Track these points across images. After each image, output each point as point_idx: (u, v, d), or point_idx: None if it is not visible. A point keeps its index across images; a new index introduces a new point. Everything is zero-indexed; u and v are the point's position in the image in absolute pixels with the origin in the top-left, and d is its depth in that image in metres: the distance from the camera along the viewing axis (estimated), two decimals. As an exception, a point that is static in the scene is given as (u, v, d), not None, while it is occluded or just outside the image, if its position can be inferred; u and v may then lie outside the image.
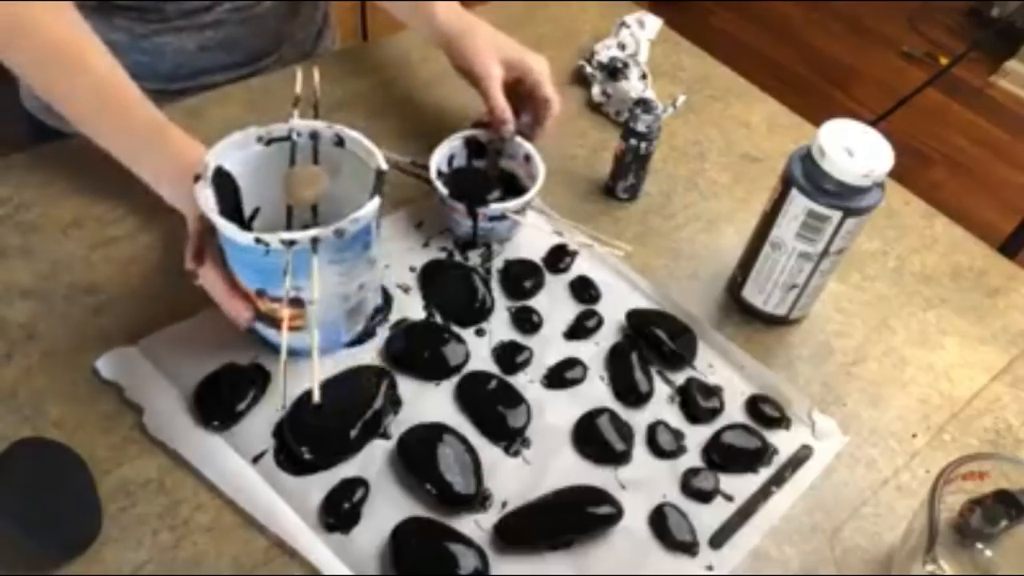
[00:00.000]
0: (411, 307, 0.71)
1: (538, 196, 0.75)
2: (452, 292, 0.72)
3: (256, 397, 0.62)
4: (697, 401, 0.66)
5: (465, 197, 0.73)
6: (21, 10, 0.64)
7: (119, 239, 0.72)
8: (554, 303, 0.73)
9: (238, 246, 0.56)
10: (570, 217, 0.78)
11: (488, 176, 0.78)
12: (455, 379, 0.66)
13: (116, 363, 0.63)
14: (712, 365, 0.70)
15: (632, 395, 0.66)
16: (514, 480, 0.61)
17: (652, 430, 0.65)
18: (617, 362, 0.68)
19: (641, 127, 0.78)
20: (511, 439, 0.63)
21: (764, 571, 0.59)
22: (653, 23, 1.00)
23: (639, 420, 0.65)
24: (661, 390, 0.68)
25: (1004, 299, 0.80)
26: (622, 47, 0.96)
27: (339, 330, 0.65)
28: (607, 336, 0.71)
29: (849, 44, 2.67)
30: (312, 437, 0.60)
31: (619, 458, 0.63)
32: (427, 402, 0.64)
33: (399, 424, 0.62)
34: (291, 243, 0.54)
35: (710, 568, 0.58)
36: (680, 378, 0.69)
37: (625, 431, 0.64)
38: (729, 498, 0.62)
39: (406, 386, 0.65)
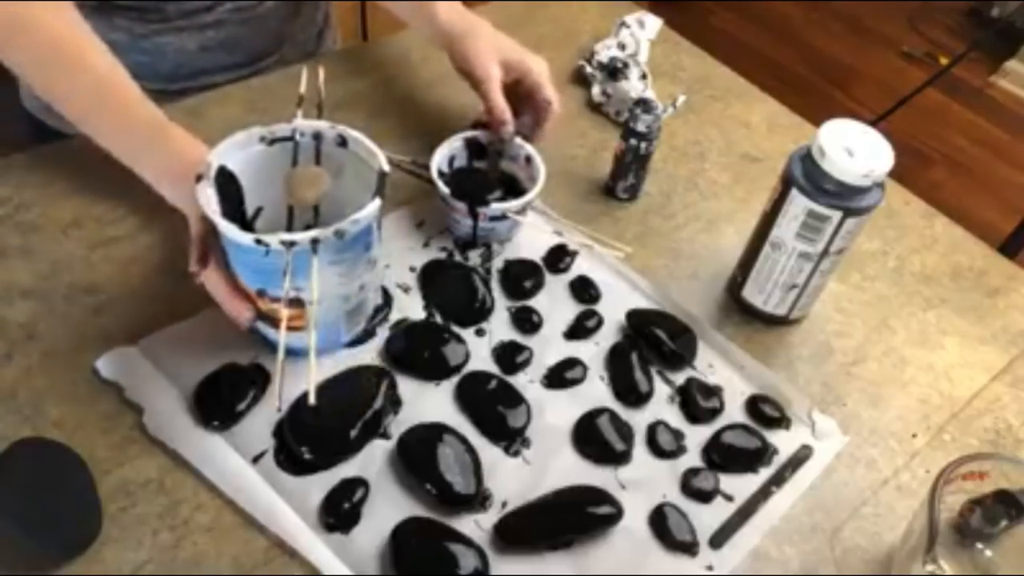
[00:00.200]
0: (411, 307, 0.71)
1: (538, 196, 0.75)
2: (452, 292, 0.72)
3: (256, 397, 0.62)
4: (697, 401, 0.66)
5: (466, 197, 0.73)
6: (21, 9, 0.64)
7: (119, 239, 0.72)
8: (554, 303, 0.73)
9: (239, 247, 0.56)
10: (570, 217, 0.78)
11: (489, 176, 0.78)
12: (455, 379, 0.66)
13: (116, 363, 0.63)
14: (712, 365, 0.70)
15: (632, 395, 0.66)
16: (514, 480, 0.61)
17: (652, 430, 0.65)
18: (617, 362, 0.68)
19: (641, 127, 0.78)
20: (511, 439, 0.63)
21: (764, 571, 0.59)
22: (653, 23, 1.00)
23: (639, 420, 0.65)
24: (661, 390, 0.68)
25: (1004, 299, 0.80)
26: (622, 47, 0.96)
27: (339, 330, 0.65)
28: (607, 336, 0.71)
29: (849, 44, 2.67)
30: (312, 437, 0.60)
31: (619, 458, 0.63)
32: (427, 402, 0.64)
33: (399, 424, 0.62)
34: (291, 244, 0.54)
35: (710, 568, 0.58)
36: (680, 378, 0.69)
37: (625, 431, 0.64)
38: (729, 498, 0.62)
39: (406, 386, 0.65)
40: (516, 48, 0.79)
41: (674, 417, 0.66)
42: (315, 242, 0.55)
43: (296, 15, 0.95)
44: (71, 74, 0.66)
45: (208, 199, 0.57)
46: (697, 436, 0.65)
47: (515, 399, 0.64)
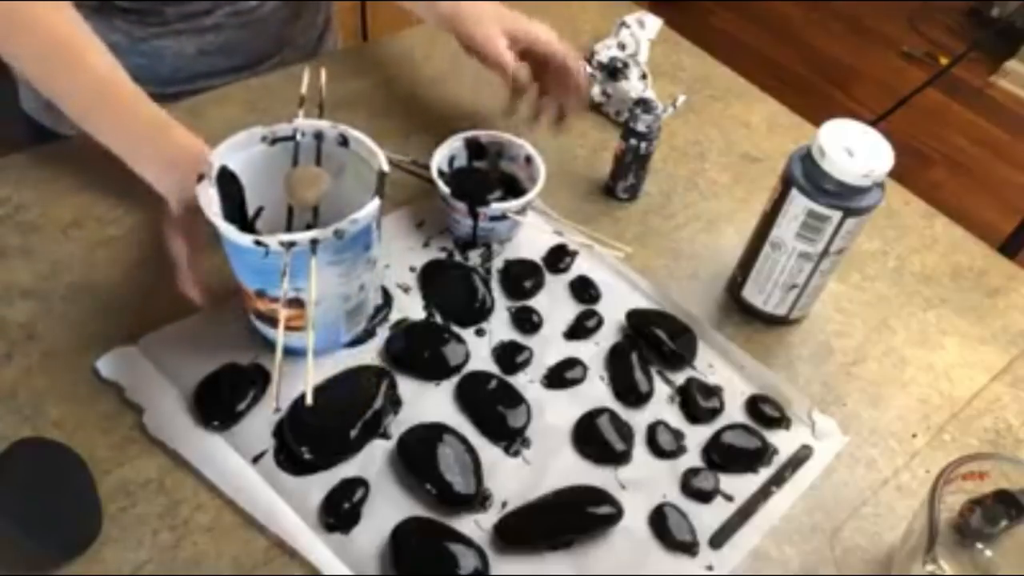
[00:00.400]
0: (411, 307, 0.71)
1: (538, 196, 0.75)
2: (452, 292, 0.72)
3: (256, 397, 0.62)
4: (697, 401, 0.66)
5: (466, 197, 0.73)
6: (20, 6, 0.64)
7: (119, 239, 0.72)
8: (554, 303, 0.73)
9: (238, 247, 0.56)
10: (570, 217, 0.78)
11: (489, 176, 0.78)
12: (455, 379, 0.66)
13: (116, 363, 0.63)
14: (712, 365, 0.70)
15: (632, 395, 0.66)
16: (514, 480, 0.61)
17: (652, 430, 0.65)
18: (617, 362, 0.68)
19: (641, 127, 0.78)
20: (511, 439, 0.63)
21: (764, 571, 0.59)
22: (653, 23, 1.00)
23: (639, 420, 0.65)
24: (661, 390, 0.68)
25: (1004, 299, 0.80)
26: (622, 47, 0.96)
27: (339, 330, 0.65)
28: (607, 336, 0.71)
29: (849, 44, 2.68)
30: (312, 437, 0.60)
31: (619, 458, 0.63)
32: (427, 402, 0.64)
33: (399, 424, 0.62)
34: (290, 244, 0.54)
35: (710, 568, 0.58)
36: (680, 378, 0.69)
37: (625, 431, 0.64)
38: (729, 498, 0.62)
39: (406, 386, 0.65)
40: (520, 18, 0.78)
41: (674, 417, 0.66)
42: (314, 242, 0.55)
43: (296, 18, 0.95)
44: (71, 72, 0.66)
45: (209, 200, 0.57)
46: (697, 436, 0.65)
47: (515, 399, 0.64)
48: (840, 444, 0.66)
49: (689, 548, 0.58)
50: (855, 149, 0.63)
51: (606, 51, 0.96)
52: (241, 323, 0.66)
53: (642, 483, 0.62)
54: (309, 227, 0.59)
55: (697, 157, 0.90)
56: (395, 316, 0.70)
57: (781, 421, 0.66)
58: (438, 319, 0.70)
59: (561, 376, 0.67)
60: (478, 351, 0.68)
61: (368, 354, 0.67)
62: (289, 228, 0.65)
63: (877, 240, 0.84)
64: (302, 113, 0.64)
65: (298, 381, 0.61)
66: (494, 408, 0.64)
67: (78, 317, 0.66)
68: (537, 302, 0.73)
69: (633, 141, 0.79)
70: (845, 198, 0.63)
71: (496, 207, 0.73)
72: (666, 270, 0.78)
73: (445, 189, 0.73)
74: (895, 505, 0.63)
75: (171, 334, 0.65)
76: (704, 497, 0.61)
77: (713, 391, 0.68)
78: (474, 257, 0.76)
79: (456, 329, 0.69)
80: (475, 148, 0.79)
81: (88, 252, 0.71)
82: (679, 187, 0.86)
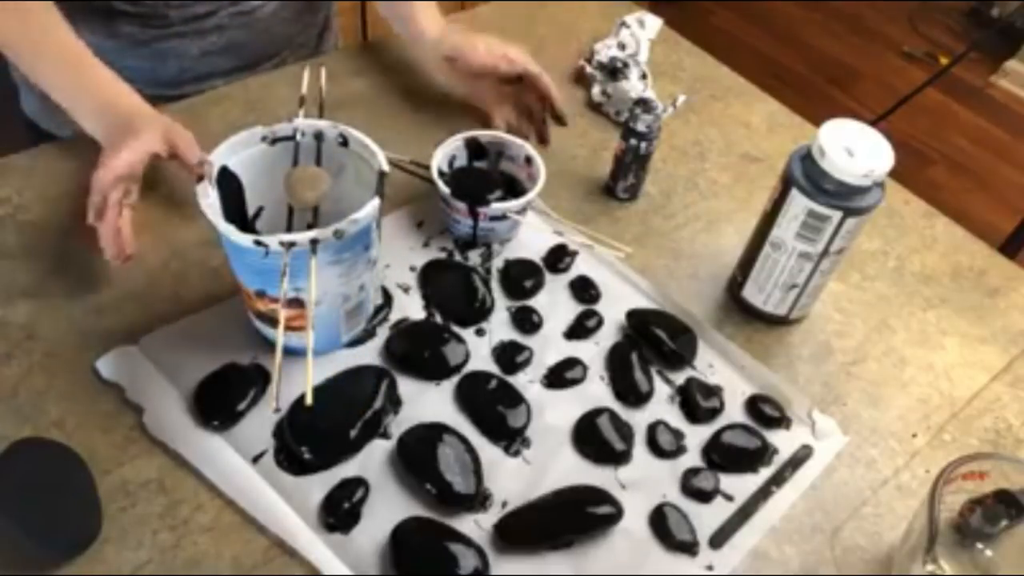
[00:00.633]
0: (411, 307, 0.71)
1: (538, 196, 0.75)
2: (452, 292, 0.72)
3: (256, 397, 0.62)
4: (697, 401, 0.66)
5: (466, 197, 0.73)
6: None
7: (119, 239, 0.72)
8: (554, 303, 0.73)
9: (238, 248, 0.56)
10: (570, 217, 0.78)
11: (489, 176, 0.78)
12: (455, 379, 0.66)
13: (116, 363, 0.63)
14: (712, 365, 0.70)
15: (632, 395, 0.66)
16: (514, 480, 0.61)
17: (652, 430, 0.65)
18: (617, 362, 0.68)
19: (641, 127, 0.78)
20: (511, 439, 0.63)
21: (764, 571, 0.59)
22: (653, 23, 1.00)
23: (639, 420, 0.65)
24: (661, 390, 0.68)
25: (1004, 299, 0.80)
26: (622, 47, 0.96)
27: (339, 330, 0.65)
28: (607, 336, 0.71)
29: (849, 44, 2.67)
30: (312, 437, 0.60)
31: (619, 458, 0.63)
32: (427, 402, 0.64)
33: (399, 424, 0.62)
34: (290, 244, 0.54)
35: (710, 568, 0.58)
36: (680, 378, 0.69)
37: (625, 431, 0.64)
38: (729, 498, 0.62)
39: (406, 386, 0.65)
40: (495, 39, 0.83)
41: (674, 417, 0.66)
42: (314, 242, 0.55)
43: (297, 19, 0.95)
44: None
45: (210, 200, 0.57)
46: (697, 436, 0.65)
47: (515, 399, 0.64)
48: (840, 444, 0.66)
49: (689, 548, 0.58)
50: (855, 149, 0.63)
51: (606, 51, 0.96)
52: (241, 323, 0.66)
53: (642, 483, 0.62)
54: (309, 227, 0.59)
55: (697, 157, 0.90)
56: (395, 316, 0.70)
57: (781, 421, 0.66)
58: (438, 319, 0.70)
59: (561, 376, 0.67)
60: (478, 351, 0.68)
61: (368, 354, 0.67)
62: (289, 228, 0.65)
63: (877, 240, 0.84)
64: (302, 113, 0.64)
65: (298, 381, 0.61)
66: (494, 408, 0.64)
67: (78, 317, 0.66)
68: (537, 302, 0.73)
69: (633, 141, 0.79)
70: (845, 198, 0.63)
71: (496, 207, 0.73)
72: (666, 270, 0.78)
73: (445, 189, 0.73)
74: (895, 505, 0.63)
75: (171, 334, 0.65)
76: (704, 497, 0.61)
77: (713, 391, 0.68)
78: (474, 257, 0.76)
79: (456, 329, 0.69)
80: (475, 148, 0.79)
81: (88, 252, 0.71)
82: (679, 187, 0.86)
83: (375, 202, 0.58)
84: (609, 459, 0.63)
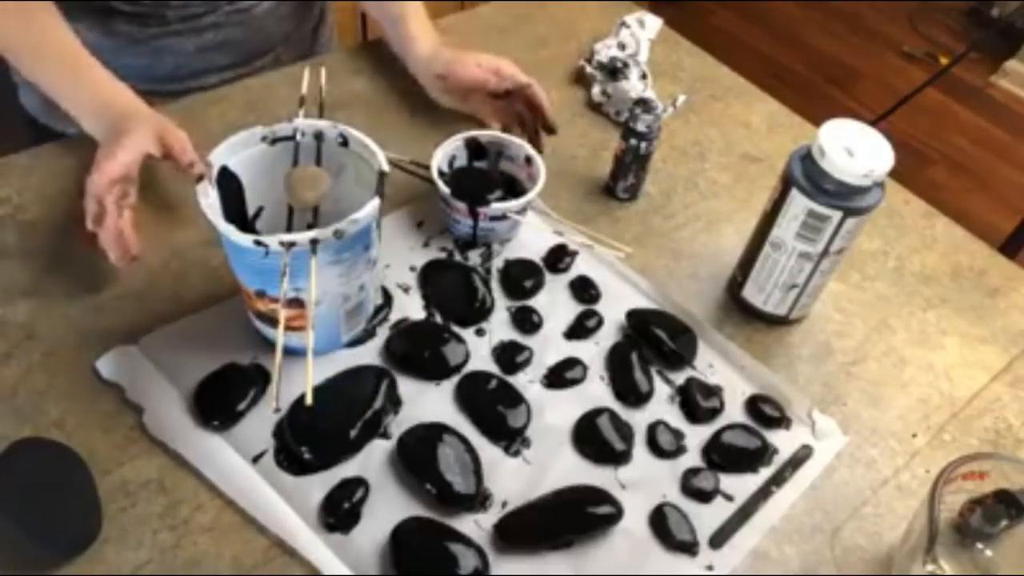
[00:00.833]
0: (411, 307, 0.71)
1: (538, 196, 0.75)
2: (452, 292, 0.72)
3: (256, 397, 0.62)
4: (697, 401, 0.66)
5: (466, 197, 0.73)
6: None
7: (119, 239, 0.72)
8: (554, 303, 0.73)
9: (238, 247, 0.56)
10: (570, 217, 0.78)
11: (489, 176, 0.78)
12: (455, 379, 0.66)
13: (116, 363, 0.63)
14: (712, 365, 0.70)
15: (632, 395, 0.66)
16: (514, 480, 0.61)
17: (652, 430, 0.65)
18: (617, 362, 0.68)
19: (641, 127, 0.78)
20: (511, 439, 0.63)
21: (764, 571, 0.59)
22: (653, 23, 1.00)
23: (639, 420, 0.65)
24: (661, 390, 0.68)
25: (1004, 299, 0.80)
26: (622, 47, 0.96)
27: (339, 330, 0.65)
28: (607, 336, 0.71)
29: (849, 44, 2.67)
30: (312, 437, 0.60)
31: (619, 458, 0.63)
32: (427, 402, 0.64)
33: (399, 424, 0.62)
34: (290, 245, 0.54)
35: (710, 568, 0.58)
36: (680, 378, 0.69)
37: (625, 431, 0.64)
38: (729, 498, 0.62)
39: (406, 386, 0.65)
40: (484, 54, 0.84)
41: (674, 417, 0.66)
42: (314, 242, 0.55)
43: (292, 16, 0.96)
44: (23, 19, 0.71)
45: (210, 200, 0.57)
46: (697, 436, 0.65)
47: (515, 399, 0.64)
48: (840, 444, 0.66)
49: (689, 548, 0.58)
50: (855, 149, 0.63)
51: (606, 51, 0.96)
52: (241, 323, 0.66)
53: (642, 483, 0.62)
54: (309, 227, 0.59)
55: (697, 157, 0.90)
56: (395, 316, 0.70)
57: (781, 421, 0.66)
58: (438, 319, 0.70)
59: (561, 376, 0.67)
60: (478, 351, 0.68)
61: (368, 354, 0.67)
62: (289, 228, 0.65)
63: (877, 240, 0.84)
64: (302, 113, 0.64)
65: (298, 381, 0.61)
66: (494, 408, 0.64)
67: (78, 317, 0.66)
68: (537, 302, 0.72)
69: (633, 141, 0.79)
70: (845, 198, 0.63)
71: (496, 207, 0.73)
72: (666, 270, 0.78)
73: (445, 189, 0.73)
74: (895, 505, 0.63)
75: (171, 334, 0.65)
76: (704, 497, 0.61)
77: (713, 391, 0.68)
78: (474, 257, 0.76)
79: (456, 329, 0.69)
80: (475, 148, 0.79)
81: (88, 252, 0.71)
82: (679, 187, 0.86)
83: (375, 202, 0.58)
84: (609, 459, 0.63)
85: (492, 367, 0.67)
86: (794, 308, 0.72)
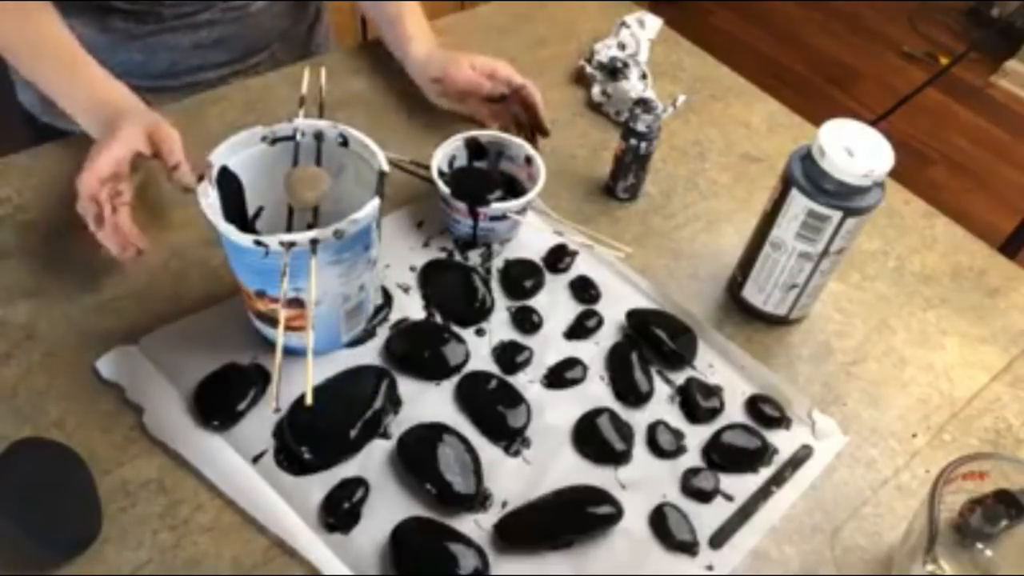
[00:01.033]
0: (411, 307, 0.71)
1: (538, 196, 0.75)
2: (452, 292, 0.72)
3: (256, 397, 0.62)
4: (697, 401, 0.66)
5: (466, 197, 0.73)
6: None
7: (119, 239, 0.72)
8: (554, 303, 0.73)
9: (238, 247, 0.56)
10: (570, 217, 0.78)
11: (489, 176, 0.78)
12: (455, 379, 0.66)
13: (116, 363, 0.63)
14: (712, 365, 0.70)
15: (632, 395, 0.66)
16: (514, 480, 0.61)
17: (652, 430, 0.65)
18: (617, 362, 0.68)
19: (641, 127, 0.78)
20: (511, 439, 0.63)
21: (764, 571, 0.59)
22: (653, 23, 1.00)
23: (639, 420, 0.65)
24: (661, 390, 0.68)
25: (1004, 299, 0.80)
26: (622, 47, 0.96)
27: (339, 330, 0.65)
28: (607, 336, 0.71)
29: (849, 44, 2.67)
30: (312, 437, 0.60)
31: (619, 458, 0.63)
32: (427, 402, 0.64)
33: (399, 424, 0.62)
34: (290, 245, 0.54)
35: (710, 568, 0.58)
36: (680, 378, 0.69)
37: (625, 431, 0.64)
38: (729, 498, 0.62)
39: (406, 386, 0.65)
40: (480, 56, 0.84)
41: (674, 417, 0.66)
42: (314, 242, 0.55)
43: (288, 13, 0.96)
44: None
45: (210, 200, 0.57)
46: (697, 436, 0.65)
47: (515, 399, 0.64)
48: (840, 444, 0.66)
49: (689, 548, 0.58)
50: (855, 149, 0.63)
51: (606, 51, 0.96)
52: (241, 323, 0.66)
53: (642, 483, 0.62)
54: (309, 227, 0.59)
55: (697, 157, 0.90)
56: (395, 316, 0.70)
57: (781, 421, 0.66)
58: (438, 319, 0.70)
59: (561, 376, 0.67)
60: (478, 351, 0.68)
61: (368, 354, 0.67)
62: (289, 228, 0.65)
63: (877, 240, 0.84)
64: (302, 113, 0.64)
65: (298, 381, 0.61)
66: (494, 408, 0.64)
67: (78, 317, 0.66)
68: (537, 302, 0.72)
69: (633, 141, 0.79)
70: (845, 198, 0.63)
71: (496, 207, 0.73)
72: (666, 270, 0.78)
73: (445, 189, 0.73)
74: (895, 505, 0.63)
75: (171, 334, 0.65)
76: (704, 497, 0.61)
77: (713, 391, 0.68)
78: (474, 257, 0.76)
79: (456, 329, 0.69)
80: (475, 148, 0.79)
81: (88, 252, 0.71)
82: (679, 187, 0.86)
83: (375, 202, 0.58)
84: (609, 459, 0.63)
85: (492, 367, 0.67)
86: (794, 308, 0.72)
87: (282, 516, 0.56)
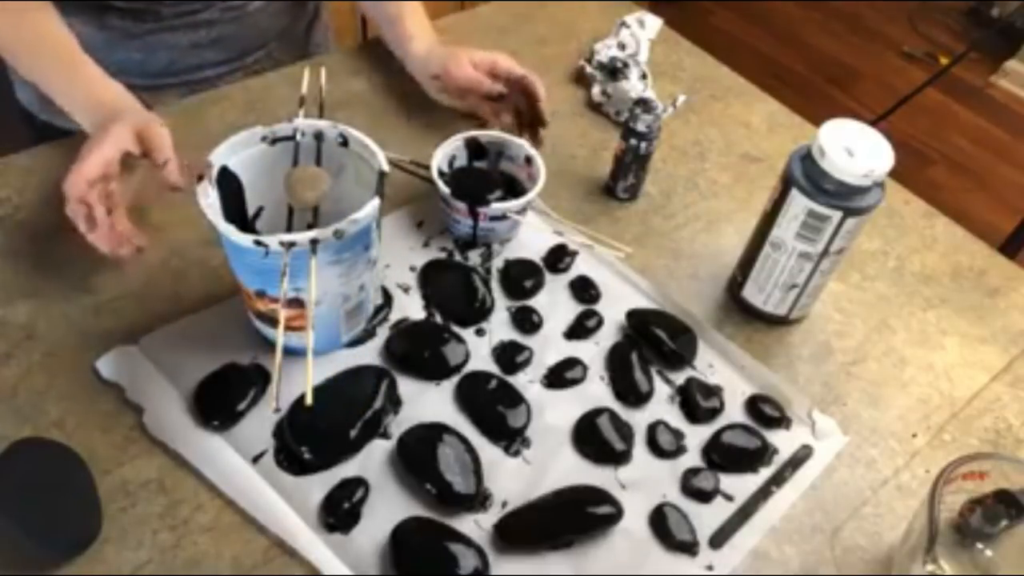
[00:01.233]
0: (411, 307, 0.71)
1: (538, 196, 0.75)
2: (452, 292, 0.72)
3: (256, 397, 0.62)
4: (697, 401, 0.66)
5: (466, 197, 0.73)
6: None
7: (119, 239, 0.72)
8: (554, 303, 0.73)
9: (238, 247, 0.56)
10: (570, 217, 0.78)
11: (489, 176, 0.78)
12: (455, 379, 0.66)
13: (116, 363, 0.63)
14: (712, 365, 0.70)
15: (632, 395, 0.66)
16: (514, 480, 0.61)
17: (652, 430, 0.65)
18: (617, 362, 0.68)
19: (641, 127, 0.78)
20: (511, 439, 0.63)
21: (764, 571, 0.59)
22: (653, 23, 1.00)
23: (639, 420, 0.65)
24: (661, 390, 0.68)
25: (1004, 299, 0.80)
26: (622, 47, 0.96)
27: (339, 330, 0.65)
28: (607, 336, 0.71)
29: (849, 44, 2.67)
30: (312, 437, 0.60)
31: (619, 458, 0.63)
32: (427, 402, 0.64)
33: (399, 424, 0.62)
34: (290, 245, 0.54)
35: (710, 568, 0.58)
36: (680, 378, 0.69)
37: (625, 431, 0.64)
38: (729, 498, 0.62)
39: (406, 386, 0.65)
40: (479, 51, 0.84)
41: (674, 417, 0.66)
42: (314, 242, 0.55)
43: (286, 12, 0.96)
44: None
45: (210, 200, 0.57)
46: (697, 436, 0.65)
47: (515, 399, 0.64)
48: (840, 444, 0.66)
49: (689, 548, 0.58)
50: (855, 149, 0.63)
51: (606, 51, 0.96)
52: (241, 323, 0.66)
53: (642, 483, 0.62)
54: (309, 227, 0.59)
55: (697, 157, 0.90)
56: (395, 316, 0.70)
57: (781, 421, 0.66)
58: (438, 319, 0.70)
59: (561, 376, 0.67)
60: (478, 351, 0.68)
61: (368, 354, 0.67)
62: (289, 228, 0.65)
63: (877, 240, 0.84)
64: (302, 113, 0.64)
65: (298, 381, 0.61)
66: (494, 408, 0.64)
67: (78, 317, 0.66)
68: (537, 302, 0.72)
69: (633, 141, 0.79)
70: (845, 198, 0.63)
71: (496, 207, 0.73)
72: (666, 270, 0.78)
73: (445, 189, 0.73)
74: (895, 505, 0.63)
75: (171, 334, 0.65)
76: (704, 497, 0.61)
77: (713, 391, 0.68)
78: (474, 257, 0.76)
79: (456, 329, 0.69)
80: (475, 148, 0.79)
81: (88, 252, 0.70)
82: (679, 187, 0.86)
83: (375, 202, 0.58)
84: (609, 459, 0.63)
85: (492, 367, 0.67)
86: (794, 308, 0.72)
87: (282, 516, 0.56)
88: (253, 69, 0.95)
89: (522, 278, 0.73)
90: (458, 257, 0.75)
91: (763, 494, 0.62)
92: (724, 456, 0.64)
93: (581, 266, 0.76)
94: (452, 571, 0.54)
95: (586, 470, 0.62)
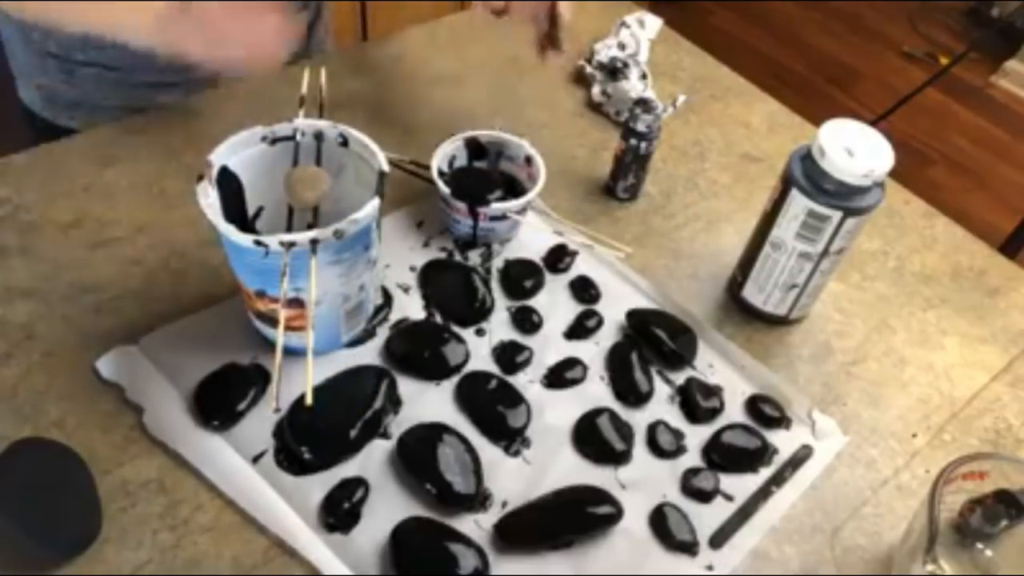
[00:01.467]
0: (411, 307, 0.71)
1: (538, 196, 0.75)
2: (452, 292, 0.72)
3: (256, 397, 0.62)
4: (697, 401, 0.66)
5: (466, 197, 0.73)
6: None
7: (119, 239, 0.72)
8: (554, 303, 0.73)
9: (238, 247, 0.56)
10: (570, 217, 0.78)
11: (489, 176, 0.78)
12: (455, 379, 0.66)
13: (116, 363, 0.63)
14: (712, 365, 0.70)
15: (632, 395, 0.66)
16: (514, 480, 0.61)
17: (652, 430, 0.65)
18: (617, 362, 0.68)
19: (641, 127, 0.78)
20: (511, 439, 0.63)
21: (764, 571, 0.59)
22: (653, 23, 1.00)
23: (639, 420, 0.65)
24: (661, 390, 0.68)
25: (1004, 299, 0.80)
26: (622, 47, 0.96)
27: (339, 330, 0.65)
28: (607, 336, 0.71)
29: (849, 44, 2.68)
30: (312, 437, 0.60)
31: (619, 458, 0.63)
32: (427, 402, 0.64)
33: (399, 424, 0.62)
34: (290, 244, 0.54)
35: (710, 568, 0.58)
36: (680, 378, 0.69)
37: (625, 431, 0.64)
38: (729, 498, 0.62)
39: (406, 386, 0.65)
40: None
41: (674, 417, 0.66)
42: (314, 242, 0.55)
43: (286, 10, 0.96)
44: None
45: (210, 200, 0.57)
46: (697, 436, 0.65)
47: (515, 399, 0.64)
48: (840, 444, 0.66)
49: (689, 548, 0.58)
50: (855, 149, 0.63)
51: (606, 51, 0.96)
52: (241, 323, 0.66)
53: (642, 483, 0.62)
54: (309, 227, 0.59)
55: (697, 157, 0.90)
56: (395, 316, 0.70)
57: (781, 421, 0.66)
58: (438, 319, 0.70)
59: (561, 376, 0.67)
60: (478, 351, 0.68)
61: (368, 354, 0.67)
62: (289, 228, 0.65)
63: (877, 240, 0.84)
64: (302, 113, 0.64)
65: (298, 381, 0.61)
66: (494, 408, 0.64)
67: (78, 317, 0.66)
68: (537, 302, 0.73)
69: (633, 141, 0.79)
70: (845, 198, 0.63)
71: (496, 207, 0.73)
72: (666, 270, 0.78)
73: (445, 189, 0.73)
74: (895, 505, 0.63)
75: (171, 334, 0.65)
76: (704, 497, 0.61)
77: (713, 391, 0.68)
78: (474, 257, 0.76)
79: (456, 329, 0.69)
80: (475, 148, 0.79)
81: (88, 252, 0.71)
82: (679, 187, 0.86)
83: (375, 202, 0.58)
84: (609, 459, 0.63)
85: (492, 367, 0.67)
86: (794, 308, 0.72)
87: (282, 516, 0.56)
88: None
89: (522, 278, 0.73)
90: (458, 257, 0.75)
91: (763, 494, 0.62)
92: (724, 456, 0.64)
93: (581, 266, 0.76)
94: (452, 571, 0.54)
95: (586, 470, 0.62)
